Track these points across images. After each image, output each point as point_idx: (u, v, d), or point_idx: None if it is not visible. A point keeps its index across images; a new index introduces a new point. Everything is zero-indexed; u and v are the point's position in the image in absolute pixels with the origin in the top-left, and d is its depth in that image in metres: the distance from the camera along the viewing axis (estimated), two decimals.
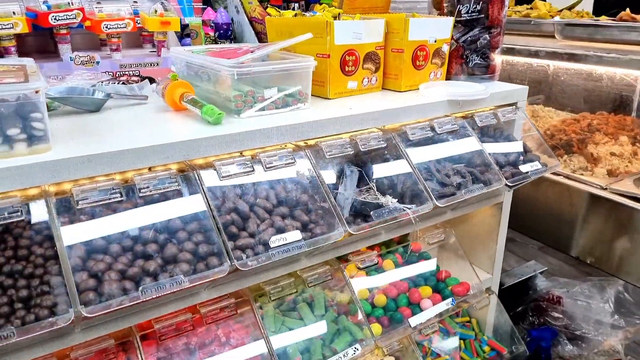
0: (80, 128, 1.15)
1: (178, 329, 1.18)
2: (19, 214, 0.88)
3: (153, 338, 1.18)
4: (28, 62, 1.22)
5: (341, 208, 1.18)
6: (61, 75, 1.58)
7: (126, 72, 1.68)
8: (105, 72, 1.65)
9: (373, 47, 1.52)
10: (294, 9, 1.97)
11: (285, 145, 1.27)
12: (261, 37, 1.94)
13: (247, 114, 1.26)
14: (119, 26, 1.65)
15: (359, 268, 1.40)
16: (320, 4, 1.96)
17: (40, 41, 1.76)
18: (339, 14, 1.60)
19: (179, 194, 1.06)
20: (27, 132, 0.97)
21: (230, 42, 2.01)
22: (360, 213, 1.26)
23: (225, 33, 1.96)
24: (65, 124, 1.18)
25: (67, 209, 0.94)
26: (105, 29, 1.62)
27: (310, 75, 1.35)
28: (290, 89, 1.33)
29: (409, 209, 1.23)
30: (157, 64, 1.73)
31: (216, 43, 1.98)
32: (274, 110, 1.31)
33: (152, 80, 1.58)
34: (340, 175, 1.28)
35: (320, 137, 1.30)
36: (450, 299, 1.50)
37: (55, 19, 1.52)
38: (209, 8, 2.05)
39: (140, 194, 1.00)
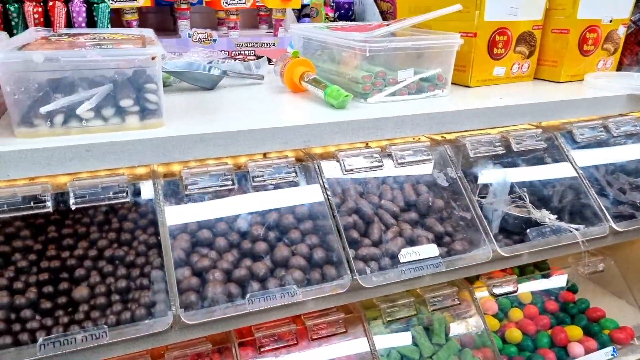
0: (194, 105, 1.04)
1: (279, 340, 1.03)
2: (125, 195, 0.77)
3: (252, 346, 1.05)
4: (147, 32, 1.14)
5: (488, 221, 0.94)
6: (179, 52, 1.52)
7: (242, 52, 1.58)
8: (221, 51, 1.56)
9: (529, 27, 1.25)
10: None
11: (419, 139, 1.07)
12: (386, 17, 1.74)
13: (376, 99, 1.07)
14: (239, 2, 1.55)
15: (493, 295, 1.15)
16: None
17: (160, 18, 1.73)
18: None
19: (295, 186, 0.91)
20: (140, 104, 0.87)
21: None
22: (505, 229, 1.01)
23: (346, 13, 1.79)
24: (179, 100, 1.08)
25: (175, 193, 0.83)
26: (225, 4, 1.53)
27: (454, 56, 1.12)
28: (427, 72, 1.11)
29: (576, 230, 0.95)
30: (274, 44, 1.61)
31: None
32: (407, 96, 1.10)
33: (268, 61, 1.46)
34: (485, 179, 1.04)
35: (461, 132, 1.08)
36: (610, 349, 1.19)
37: None
38: None
39: (254, 183, 0.86)
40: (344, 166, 0.91)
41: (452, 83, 1.23)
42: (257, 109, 1.04)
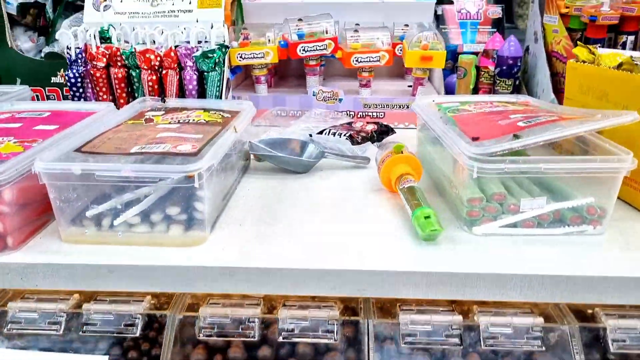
0: (263, 203, 0.92)
1: None
2: (134, 329, 0.70)
3: None
4: (247, 106, 1.07)
5: None
6: (300, 111, 1.43)
7: (368, 113, 1.41)
8: (344, 112, 1.42)
9: None
10: (624, 46, 1.27)
11: (535, 305, 0.75)
12: (560, 80, 1.35)
13: (485, 229, 0.79)
14: (371, 59, 1.37)
15: None
16: None
17: (297, 71, 1.67)
18: None
19: (332, 348, 0.71)
20: (188, 212, 0.79)
21: (515, 81, 1.49)
22: None
23: (510, 70, 1.45)
24: (255, 192, 0.98)
25: (189, 336, 0.72)
26: (354, 62, 1.37)
27: (619, 183, 0.77)
28: (571, 202, 0.78)
29: None
30: (407, 107, 1.39)
31: (493, 82, 1.50)
32: (534, 230, 0.79)
33: (389, 131, 1.26)
34: None
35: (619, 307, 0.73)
36: None
37: (303, 50, 1.36)
38: (497, 34, 1.57)
39: (281, 338, 0.70)
40: (401, 336, 0.68)
41: (618, 198, 0.84)
42: (333, 216, 0.87)
